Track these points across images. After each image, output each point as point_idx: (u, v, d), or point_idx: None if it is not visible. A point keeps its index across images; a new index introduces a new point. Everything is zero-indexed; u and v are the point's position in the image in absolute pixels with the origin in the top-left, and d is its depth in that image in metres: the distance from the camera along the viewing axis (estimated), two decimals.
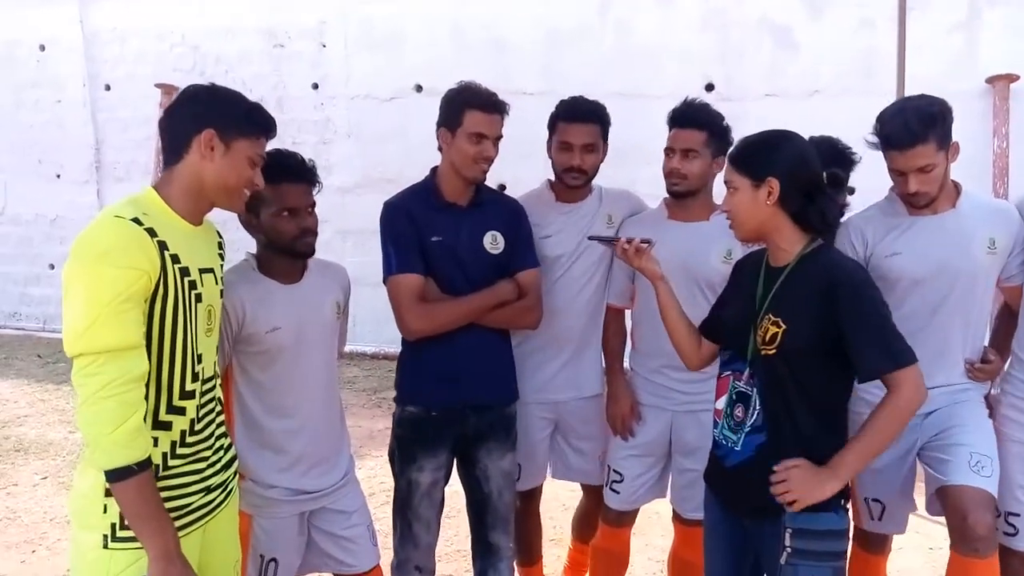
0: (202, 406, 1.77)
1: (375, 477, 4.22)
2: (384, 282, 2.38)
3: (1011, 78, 5.48)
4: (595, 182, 2.70)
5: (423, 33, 6.65)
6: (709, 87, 5.98)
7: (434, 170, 2.51)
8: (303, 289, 2.20)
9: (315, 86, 7.11)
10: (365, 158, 6.96)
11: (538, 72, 6.29)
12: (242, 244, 2.18)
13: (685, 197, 2.54)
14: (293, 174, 2.14)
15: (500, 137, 2.42)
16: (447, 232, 2.40)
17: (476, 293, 2.40)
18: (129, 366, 1.54)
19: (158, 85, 7.17)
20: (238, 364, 2.17)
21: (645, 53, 6.12)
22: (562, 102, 2.67)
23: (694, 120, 2.51)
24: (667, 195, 2.60)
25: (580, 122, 2.59)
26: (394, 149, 6.64)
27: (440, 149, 2.45)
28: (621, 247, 2.18)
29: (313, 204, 2.20)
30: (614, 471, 2.69)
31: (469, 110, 2.36)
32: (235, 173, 1.76)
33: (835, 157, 2.45)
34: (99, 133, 7.85)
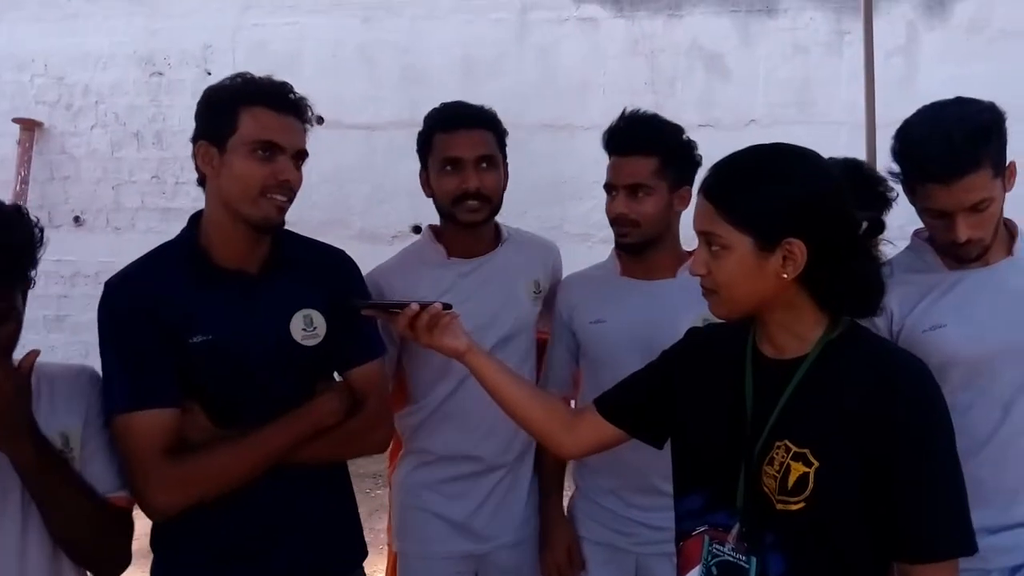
0: None
1: None
2: (106, 424, 1.58)
3: None
4: (504, 224, 2.21)
5: (325, 59, 6.61)
6: None
7: (195, 219, 1.74)
8: None
9: None
10: None
11: None
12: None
13: (642, 250, 2.05)
14: None
15: (303, 154, 1.71)
16: (221, 323, 1.64)
17: (274, 424, 1.62)
18: None
19: (17, 120, 6.90)
20: None
21: (569, 82, 6.23)
22: (434, 111, 2.13)
23: (638, 143, 2.01)
24: (615, 247, 2.12)
25: (467, 128, 2.05)
26: None
27: (200, 182, 1.70)
28: (407, 318, 1.56)
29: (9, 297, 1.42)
30: None
31: (247, 108, 1.63)
32: None
33: (861, 192, 1.88)
34: None
